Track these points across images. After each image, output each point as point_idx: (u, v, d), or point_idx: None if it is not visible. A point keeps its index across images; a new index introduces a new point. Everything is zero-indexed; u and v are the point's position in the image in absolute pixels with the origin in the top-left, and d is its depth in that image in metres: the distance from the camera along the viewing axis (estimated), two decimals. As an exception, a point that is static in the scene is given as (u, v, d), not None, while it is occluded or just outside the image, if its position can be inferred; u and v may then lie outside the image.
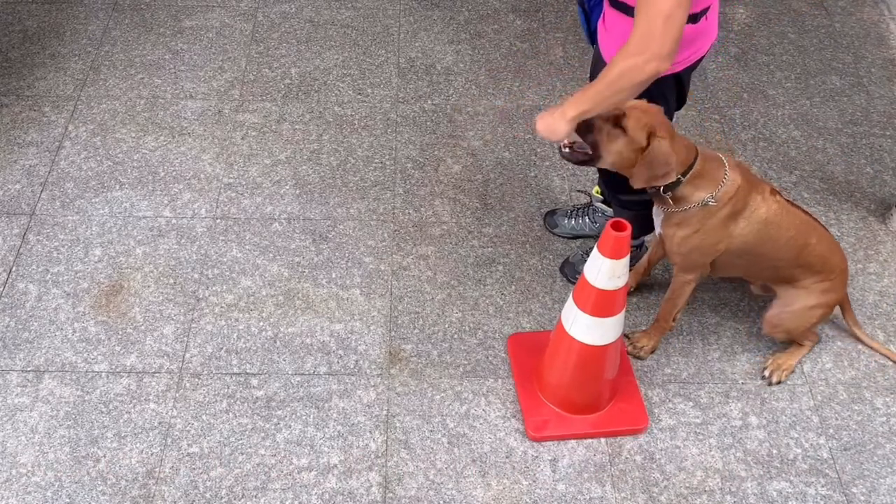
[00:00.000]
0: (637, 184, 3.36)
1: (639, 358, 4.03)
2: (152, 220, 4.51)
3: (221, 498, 3.56)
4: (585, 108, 3.20)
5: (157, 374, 3.93)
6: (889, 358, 4.03)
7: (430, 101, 5.17)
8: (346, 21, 5.70)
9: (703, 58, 3.55)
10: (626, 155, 3.33)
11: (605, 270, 3.30)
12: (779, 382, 3.98)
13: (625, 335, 4.03)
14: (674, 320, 3.96)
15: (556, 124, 3.25)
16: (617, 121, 3.29)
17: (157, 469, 3.64)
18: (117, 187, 4.66)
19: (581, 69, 5.38)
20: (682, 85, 3.59)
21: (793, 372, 4.01)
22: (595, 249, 3.32)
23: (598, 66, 3.60)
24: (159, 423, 3.78)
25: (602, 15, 3.52)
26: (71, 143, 4.89)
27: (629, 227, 3.21)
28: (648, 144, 3.29)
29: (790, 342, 4.01)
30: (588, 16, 3.65)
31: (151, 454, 3.68)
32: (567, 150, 3.45)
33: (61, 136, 4.92)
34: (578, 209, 4.44)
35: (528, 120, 5.06)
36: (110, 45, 5.52)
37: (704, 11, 3.31)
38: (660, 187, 3.41)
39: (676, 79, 3.51)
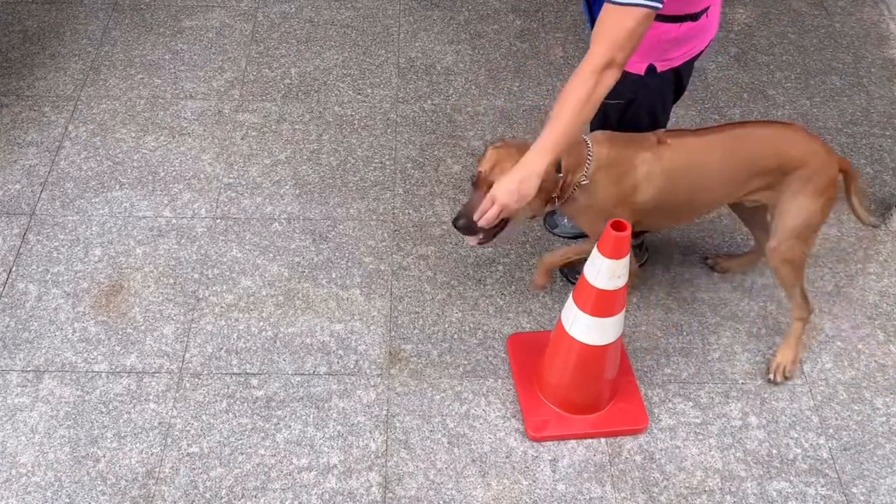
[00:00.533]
0: (520, 219, 3.49)
1: (786, 379, 3.97)
2: (152, 220, 4.52)
3: (221, 498, 3.56)
4: (562, 149, 3.16)
5: (157, 374, 3.93)
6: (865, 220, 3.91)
7: (430, 101, 5.17)
8: (346, 21, 5.70)
9: (702, 52, 3.55)
10: (520, 203, 3.26)
11: (605, 270, 3.30)
12: (786, 379, 3.97)
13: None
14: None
15: (529, 182, 3.14)
16: (486, 187, 3.31)
17: (157, 469, 3.64)
18: (117, 187, 4.67)
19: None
20: (681, 78, 3.61)
21: (796, 367, 3.99)
22: (595, 249, 3.31)
23: None
24: (159, 423, 3.78)
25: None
26: (71, 143, 4.89)
27: (629, 226, 3.21)
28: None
29: (799, 288, 3.85)
30: (591, 7, 3.65)
31: (151, 454, 3.68)
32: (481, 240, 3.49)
33: (61, 136, 4.93)
34: None
35: (528, 120, 5.06)
36: (110, 45, 5.52)
37: (705, 10, 3.32)
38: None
39: (676, 73, 3.51)
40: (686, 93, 3.87)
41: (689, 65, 3.57)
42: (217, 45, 5.54)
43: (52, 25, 5.66)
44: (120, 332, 4.08)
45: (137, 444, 3.71)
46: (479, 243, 3.50)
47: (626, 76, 3.42)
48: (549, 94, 5.22)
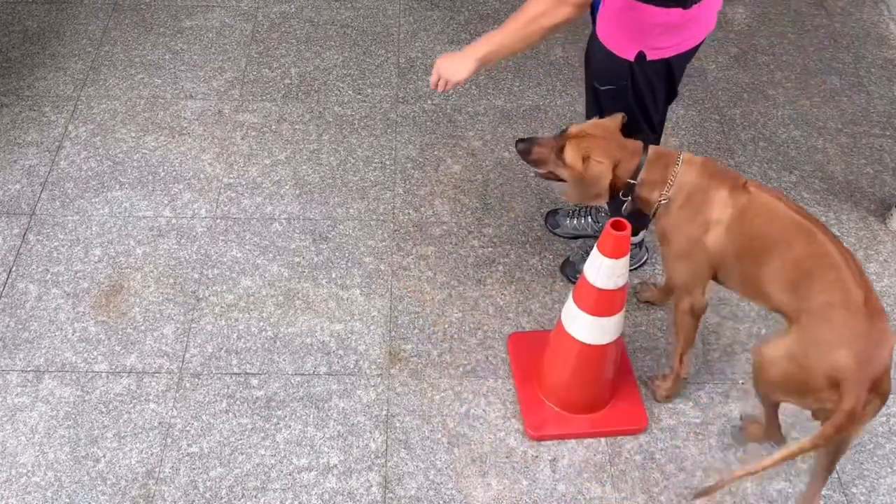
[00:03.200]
0: (571, 200, 3.53)
1: (656, 399, 3.90)
2: (152, 220, 4.52)
3: (221, 498, 3.56)
4: (494, 48, 3.33)
5: (157, 374, 3.94)
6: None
7: (429, 101, 5.18)
8: (346, 21, 5.71)
9: (696, 49, 3.54)
10: (577, 178, 3.40)
11: (605, 270, 3.30)
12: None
13: (647, 379, 3.96)
14: (681, 362, 3.74)
15: (461, 63, 3.38)
16: (560, 152, 3.38)
17: (156, 469, 3.64)
18: (117, 187, 4.67)
19: (581, 69, 5.36)
20: (673, 74, 3.58)
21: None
22: (595, 249, 3.32)
23: (592, 43, 3.63)
24: (159, 423, 3.79)
25: None
26: (71, 143, 4.90)
27: (629, 226, 3.22)
28: (583, 168, 3.36)
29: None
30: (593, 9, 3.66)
31: (151, 454, 3.69)
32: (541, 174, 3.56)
33: (61, 136, 4.93)
34: (581, 209, 4.44)
35: (529, 120, 5.07)
36: (110, 45, 5.53)
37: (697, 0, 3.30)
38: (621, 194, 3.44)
39: (666, 66, 3.50)
40: (686, 92, 3.87)
41: (681, 62, 3.55)
42: (217, 45, 5.55)
43: (52, 25, 5.66)
44: (120, 332, 4.08)
45: (137, 444, 3.71)
46: (537, 175, 3.60)
47: (616, 60, 3.46)
48: (549, 93, 5.23)
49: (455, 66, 3.38)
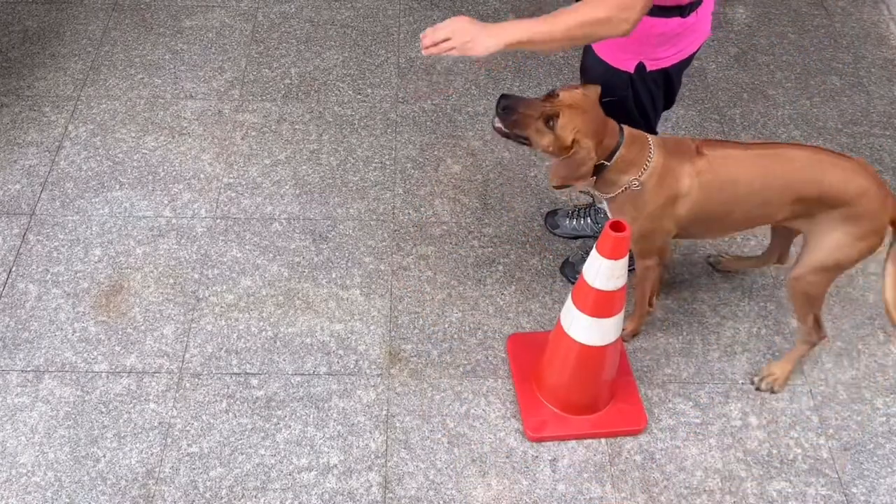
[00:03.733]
0: (553, 181, 3.37)
1: (772, 392, 3.97)
2: (152, 220, 4.53)
3: (221, 498, 3.57)
4: (529, 39, 3.05)
5: (157, 374, 3.94)
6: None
7: (430, 102, 5.18)
8: (346, 21, 5.71)
9: (692, 57, 3.54)
10: (553, 150, 3.33)
11: (604, 271, 3.30)
12: (770, 391, 3.96)
13: None
14: (650, 305, 3.94)
15: (485, 39, 3.06)
16: (548, 119, 3.27)
17: (157, 469, 3.65)
18: (117, 187, 4.67)
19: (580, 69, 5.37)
20: (672, 83, 3.59)
21: (787, 383, 3.98)
22: (594, 250, 3.31)
23: (587, 53, 3.63)
24: (159, 422, 3.79)
25: None
26: (71, 143, 4.90)
27: (628, 227, 3.21)
28: (572, 146, 3.28)
29: (812, 316, 3.74)
30: None
31: (151, 454, 3.69)
32: (500, 127, 3.38)
33: (61, 136, 4.93)
34: (580, 210, 4.44)
35: None
36: (110, 45, 5.53)
37: (693, 6, 3.30)
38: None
39: (665, 75, 3.51)
40: (686, 92, 3.87)
41: (679, 71, 3.56)
42: (217, 45, 5.55)
43: (52, 25, 5.66)
44: (120, 332, 4.08)
45: (137, 444, 3.72)
46: (497, 128, 3.39)
47: (615, 73, 3.45)
48: None
49: (478, 38, 3.06)
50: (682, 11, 3.26)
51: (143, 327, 4.11)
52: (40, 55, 5.44)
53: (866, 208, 3.36)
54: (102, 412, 3.82)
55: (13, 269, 4.31)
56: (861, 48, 5.67)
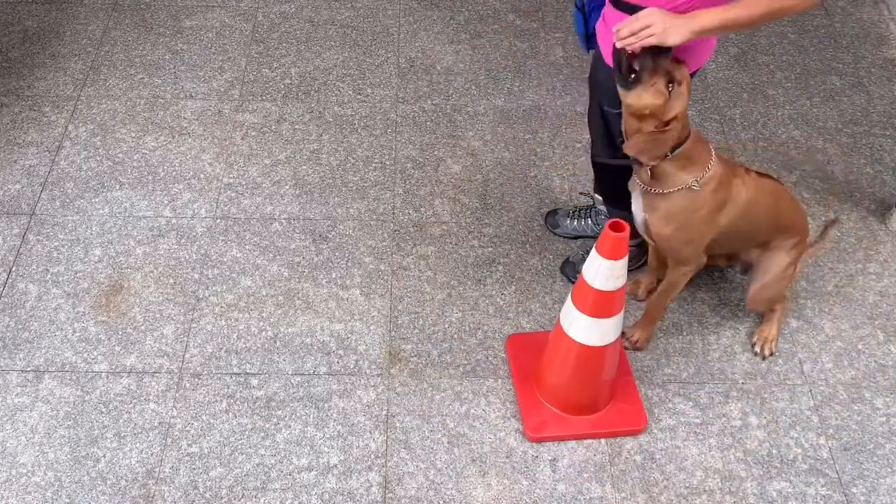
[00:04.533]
0: (629, 149, 3.32)
1: (637, 350, 4.05)
2: (152, 220, 4.53)
3: (221, 498, 3.57)
4: (719, 25, 3.06)
5: (157, 374, 3.94)
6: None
7: (429, 101, 5.18)
8: (345, 21, 5.71)
9: (700, 67, 3.54)
10: (646, 113, 3.25)
11: (604, 271, 3.30)
12: (771, 354, 4.05)
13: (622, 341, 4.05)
14: (664, 308, 3.99)
15: (676, 26, 3.05)
16: (669, 81, 3.20)
17: (157, 469, 3.65)
18: (117, 187, 4.68)
19: (581, 69, 5.38)
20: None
21: (777, 341, 4.09)
22: (593, 250, 3.31)
23: (598, 66, 3.61)
24: (159, 422, 3.79)
25: (602, 16, 3.51)
26: (71, 143, 4.90)
27: (628, 227, 3.21)
28: (668, 123, 3.25)
29: (767, 311, 4.08)
30: (586, 19, 3.63)
31: (151, 454, 3.69)
32: (625, 55, 3.21)
33: (61, 136, 4.94)
34: (581, 210, 4.44)
35: (529, 120, 5.07)
36: (110, 45, 5.54)
37: None
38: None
39: None
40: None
41: (695, 74, 3.56)
42: (217, 45, 5.55)
43: (53, 25, 5.67)
44: (120, 332, 4.09)
45: (137, 444, 3.72)
46: (622, 49, 3.20)
47: None
48: (549, 93, 5.23)
49: (673, 26, 3.05)
50: None
51: (143, 327, 4.11)
52: (40, 55, 5.45)
53: (803, 234, 3.91)
54: (102, 412, 3.82)
55: (13, 269, 4.31)
56: (861, 48, 5.67)
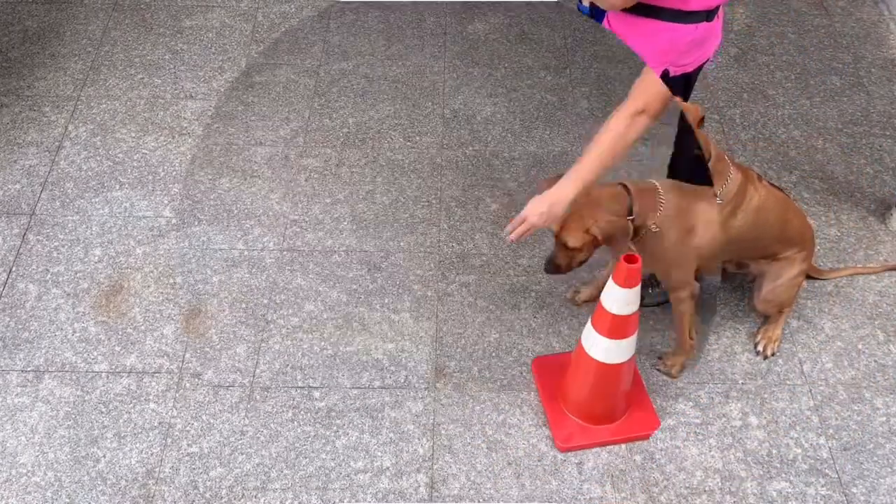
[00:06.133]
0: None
1: (670, 376, 4.07)
2: (152, 220, 4.56)
3: (287, 498, 3.67)
4: (592, 177, 3.35)
5: (157, 374, 3.97)
6: (864, 272, 4.24)
7: (471, 148, 5.23)
8: (396, 77, 5.76)
9: (708, 59, 3.56)
10: (584, 250, 3.56)
11: (620, 298, 3.42)
12: (773, 354, 4.07)
13: (658, 357, 4.13)
14: (691, 338, 3.99)
15: (559, 206, 3.40)
16: (557, 239, 3.52)
17: (156, 469, 3.68)
18: (117, 187, 4.70)
19: (603, 118, 5.28)
20: (690, 84, 3.64)
21: (780, 342, 4.12)
22: (610, 280, 3.42)
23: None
24: (158, 422, 3.83)
25: (606, 18, 3.54)
26: (71, 143, 4.92)
27: (640, 258, 3.31)
28: (592, 239, 3.47)
29: (774, 314, 4.09)
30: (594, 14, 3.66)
31: (151, 454, 3.72)
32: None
33: (61, 136, 4.95)
34: None
35: (558, 164, 5.08)
36: (110, 45, 5.55)
37: (716, 10, 3.32)
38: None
39: (685, 79, 3.53)
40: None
41: (698, 71, 3.59)
42: (217, 45, 5.58)
43: (52, 25, 5.68)
44: (119, 333, 4.11)
45: (137, 444, 3.74)
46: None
47: None
48: (577, 141, 5.27)
49: (553, 208, 3.40)
50: (709, 16, 3.28)
51: (143, 327, 4.13)
52: (40, 55, 5.47)
53: (810, 247, 4.03)
54: (102, 412, 3.84)
55: (13, 269, 4.33)
56: (861, 48, 5.68)
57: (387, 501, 3.67)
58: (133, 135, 5.00)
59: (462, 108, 5.49)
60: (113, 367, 3.99)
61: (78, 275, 4.32)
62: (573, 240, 3.48)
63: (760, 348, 4.09)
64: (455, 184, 4.99)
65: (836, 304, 4.29)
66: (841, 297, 4.33)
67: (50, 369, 3.97)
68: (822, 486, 3.67)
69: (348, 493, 3.68)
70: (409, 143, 5.24)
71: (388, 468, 3.77)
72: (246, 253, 4.58)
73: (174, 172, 4.80)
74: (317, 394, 4.02)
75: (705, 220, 3.62)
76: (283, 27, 5.74)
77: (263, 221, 4.74)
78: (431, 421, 3.93)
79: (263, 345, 4.18)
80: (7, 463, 3.67)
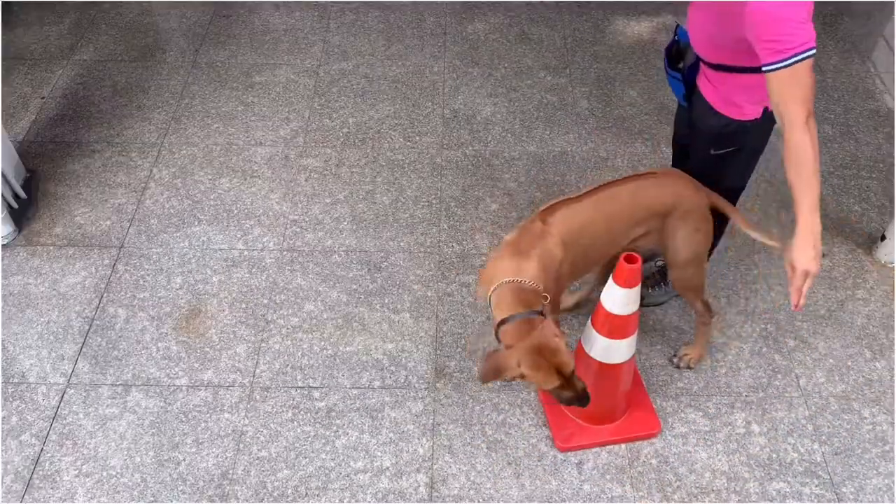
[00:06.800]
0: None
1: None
2: (227, 252, 4.58)
3: (287, 497, 3.61)
4: (818, 198, 3.17)
5: (230, 388, 3.98)
6: (767, 243, 3.76)
7: (471, 148, 5.21)
8: (396, 77, 5.74)
9: None
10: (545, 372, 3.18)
11: (620, 298, 3.34)
12: (687, 367, 4.05)
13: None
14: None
15: (819, 239, 3.20)
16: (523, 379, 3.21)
17: (230, 471, 3.70)
18: (196, 223, 4.74)
19: (603, 118, 5.43)
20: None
21: (701, 360, 4.07)
22: (610, 279, 3.35)
23: (702, 115, 3.57)
24: (232, 430, 3.83)
25: (702, 73, 3.50)
26: (155, 185, 4.97)
27: (640, 259, 3.25)
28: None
29: (700, 301, 3.91)
30: (684, 76, 3.60)
31: (226, 458, 3.73)
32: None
33: (147, 178, 5.00)
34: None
35: (558, 164, 5.09)
36: (189, 98, 5.61)
37: None
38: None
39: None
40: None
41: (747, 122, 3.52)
42: (283, 99, 5.60)
43: (139, 81, 5.75)
44: (198, 351, 4.13)
45: (213, 449, 3.76)
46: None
47: (738, 124, 3.44)
48: (576, 140, 5.25)
49: (813, 248, 3.22)
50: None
51: (218, 346, 4.15)
52: (128, 107, 5.52)
53: (687, 206, 3.56)
54: (182, 421, 3.86)
55: (104, 296, 4.36)
56: (850, 100, 5.69)
57: (387, 501, 3.59)
58: (209, 177, 5.03)
59: (462, 108, 5.46)
60: (192, 381, 4.01)
61: (161, 300, 4.35)
62: (531, 373, 3.15)
63: (675, 360, 4.08)
64: (455, 184, 4.96)
65: (828, 326, 4.29)
66: (833, 320, 4.32)
67: (136, 384, 4.00)
68: (816, 487, 3.67)
69: (348, 493, 3.61)
70: (409, 143, 5.22)
71: (388, 468, 3.70)
72: (246, 253, 4.56)
73: (246, 210, 4.82)
74: (317, 394, 3.96)
75: (549, 250, 3.38)
76: (341, 82, 5.76)
77: (263, 221, 4.73)
78: (431, 421, 3.86)
79: (263, 345, 4.15)
80: (99, 466, 3.70)
